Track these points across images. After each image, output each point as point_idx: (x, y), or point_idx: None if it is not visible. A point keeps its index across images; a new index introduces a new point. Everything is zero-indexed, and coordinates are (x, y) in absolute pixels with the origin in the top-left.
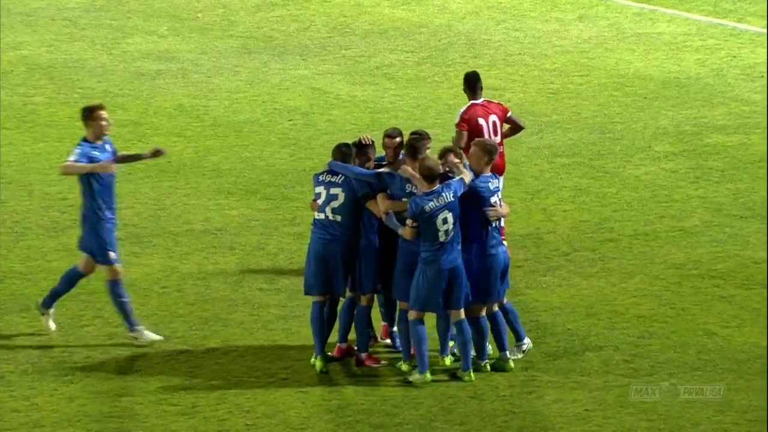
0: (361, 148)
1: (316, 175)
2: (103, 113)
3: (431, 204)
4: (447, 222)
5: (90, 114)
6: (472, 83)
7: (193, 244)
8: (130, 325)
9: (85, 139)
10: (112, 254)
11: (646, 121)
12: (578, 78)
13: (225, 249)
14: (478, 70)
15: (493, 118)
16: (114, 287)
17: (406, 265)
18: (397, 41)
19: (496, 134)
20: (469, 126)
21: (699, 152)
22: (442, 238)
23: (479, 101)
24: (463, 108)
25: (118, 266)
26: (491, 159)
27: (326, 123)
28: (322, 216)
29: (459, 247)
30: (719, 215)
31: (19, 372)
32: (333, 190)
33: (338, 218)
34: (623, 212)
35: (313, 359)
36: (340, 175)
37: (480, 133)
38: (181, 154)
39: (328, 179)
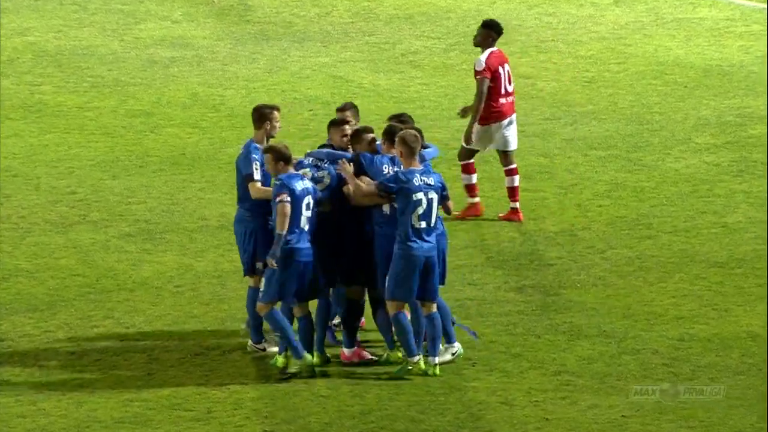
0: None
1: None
2: (278, 115)
3: (417, 179)
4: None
5: (266, 114)
6: (498, 29)
7: (208, 241)
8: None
9: (252, 141)
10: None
11: (686, 111)
12: (615, 66)
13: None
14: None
15: (507, 66)
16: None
17: (386, 254)
18: (424, 27)
19: (510, 82)
20: (490, 73)
21: (742, 144)
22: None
23: (495, 49)
24: (485, 55)
25: None
26: (413, 151)
27: None
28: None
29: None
30: (764, 210)
31: (26, 375)
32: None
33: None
34: (662, 208)
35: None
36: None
37: (498, 81)
38: (196, 146)
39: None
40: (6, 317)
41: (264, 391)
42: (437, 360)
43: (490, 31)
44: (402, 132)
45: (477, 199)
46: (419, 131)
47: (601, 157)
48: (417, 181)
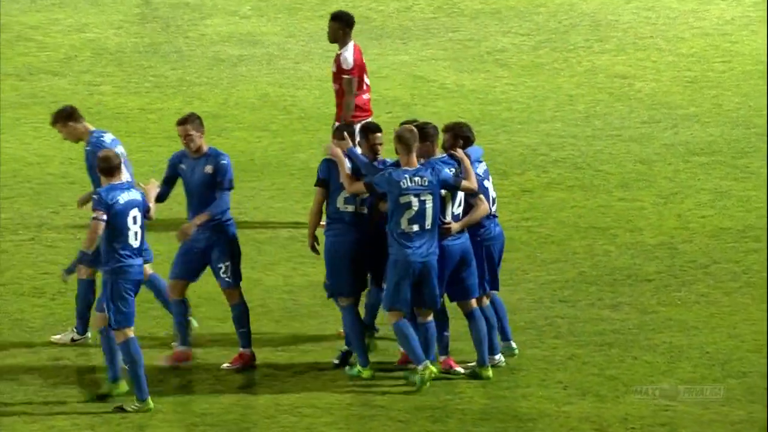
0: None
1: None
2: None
3: (405, 181)
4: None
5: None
6: (348, 21)
7: (278, 253)
8: None
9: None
10: None
11: None
12: (719, 65)
13: (314, 258)
14: (605, 57)
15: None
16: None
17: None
18: (512, 22)
19: (367, 75)
20: (357, 71)
21: None
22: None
23: (353, 42)
24: (349, 51)
25: None
26: (409, 148)
27: (430, 115)
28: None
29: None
30: None
31: (84, 396)
32: None
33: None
34: None
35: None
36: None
37: (363, 78)
38: (266, 151)
39: None
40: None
41: (338, 416)
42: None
43: (340, 24)
44: (398, 128)
45: None
46: (435, 128)
47: (703, 163)
48: (406, 182)
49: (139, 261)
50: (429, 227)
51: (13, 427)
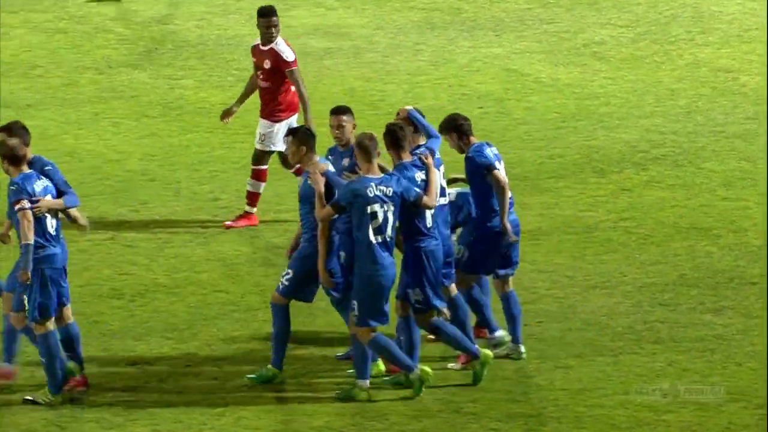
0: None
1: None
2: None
3: (372, 189)
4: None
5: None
6: (262, 13)
7: None
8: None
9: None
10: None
11: None
12: None
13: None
14: (708, 49)
15: None
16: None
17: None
18: (610, 13)
19: None
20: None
21: None
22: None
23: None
24: (284, 43)
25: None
26: (369, 157)
27: (524, 111)
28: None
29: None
30: None
31: (164, 401)
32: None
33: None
34: None
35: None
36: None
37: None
38: None
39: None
40: (142, 337)
41: (427, 423)
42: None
43: (260, 19)
44: (357, 136)
45: (255, 210)
46: (401, 128)
47: None
48: (372, 191)
49: (58, 250)
50: (390, 239)
51: None
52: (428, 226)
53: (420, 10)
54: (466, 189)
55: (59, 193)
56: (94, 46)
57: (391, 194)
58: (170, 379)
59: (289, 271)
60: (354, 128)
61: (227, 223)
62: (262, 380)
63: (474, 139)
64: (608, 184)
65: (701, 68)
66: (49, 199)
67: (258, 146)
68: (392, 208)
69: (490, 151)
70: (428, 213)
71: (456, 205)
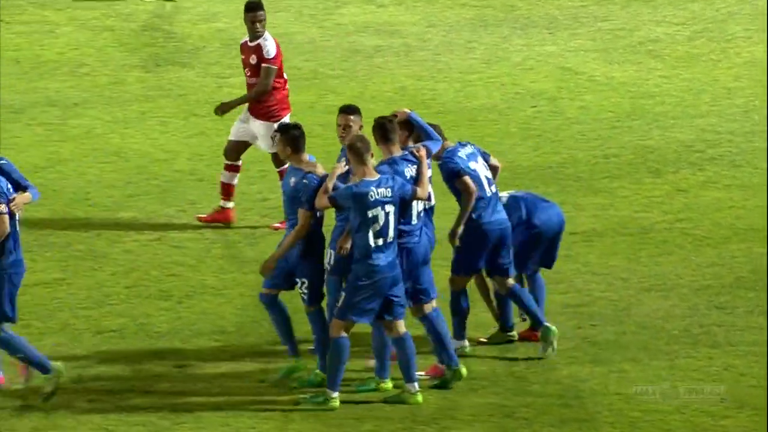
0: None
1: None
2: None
3: (373, 193)
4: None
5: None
6: (251, 6)
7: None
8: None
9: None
10: None
11: None
12: None
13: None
14: (765, 47)
15: None
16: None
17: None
18: (666, 11)
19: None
20: (278, 62)
21: None
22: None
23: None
24: (269, 39)
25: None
26: (362, 159)
27: (577, 110)
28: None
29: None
30: None
31: (211, 405)
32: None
33: None
34: None
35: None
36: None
37: (282, 69)
38: None
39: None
40: (189, 339)
41: (479, 429)
42: (417, 386)
43: (247, 14)
44: (349, 138)
45: (232, 204)
46: (390, 120)
47: None
48: (373, 195)
49: (21, 255)
50: (391, 239)
51: None
52: (412, 223)
53: (472, 7)
54: (519, 192)
55: (20, 187)
56: (141, 43)
57: (390, 195)
58: (217, 382)
59: (303, 280)
60: (360, 129)
61: (202, 216)
62: (310, 384)
63: (448, 143)
64: (664, 184)
65: (758, 67)
66: (22, 195)
67: (269, 150)
68: (393, 208)
69: (463, 153)
70: (414, 211)
71: (509, 208)
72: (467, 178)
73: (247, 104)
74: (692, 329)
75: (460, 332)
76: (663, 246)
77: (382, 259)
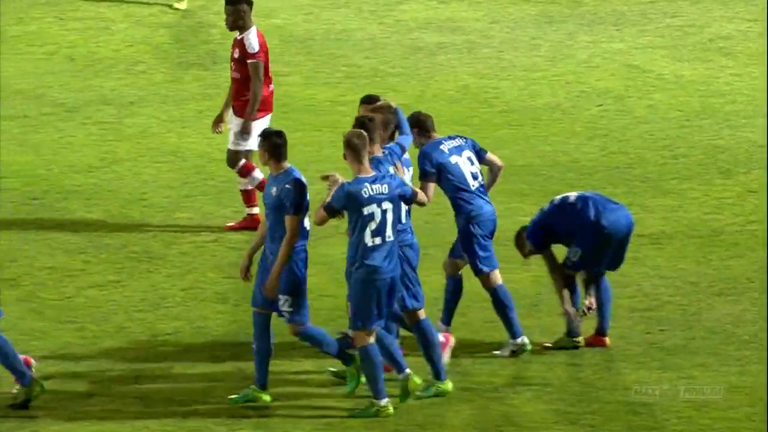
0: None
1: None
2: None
3: (367, 190)
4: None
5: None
6: (251, 2)
7: None
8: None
9: None
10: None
11: None
12: None
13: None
14: None
15: None
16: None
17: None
18: (737, 6)
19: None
20: (264, 56)
21: None
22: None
23: (255, 26)
24: (253, 34)
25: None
26: (359, 155)
27: (645, 109)
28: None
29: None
30: None
31: (270, 411)
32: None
33: None
34: None
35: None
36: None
37: (267, 65)
38: None
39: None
40: (246, 343)
41: None
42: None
43: (242, 6)
44: (346, 134)
45: (257, 210)
46: (392, 110)
47: None
48: (367, 191)
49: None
50: (390, 237)
51: None
52: (402, 222)
53: (537, 3)
54: (587, 192)
55: None
56: (198, 41)
57: (387, 192)
58: (275, 387)
59: (287, 297)
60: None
61: (231, 224)
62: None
63: (435, 135)
64: (734, 185)
65: None
66: None
67: (231, 147)
68: (390, 206)
69: (446, 146)
70: (403, 212)
71: (577, 208)
72: (428, 185)
73: (231, 107)
74: (763, 335)
75: (513, 329)
76: (733, 249)
77: (380, 259)
